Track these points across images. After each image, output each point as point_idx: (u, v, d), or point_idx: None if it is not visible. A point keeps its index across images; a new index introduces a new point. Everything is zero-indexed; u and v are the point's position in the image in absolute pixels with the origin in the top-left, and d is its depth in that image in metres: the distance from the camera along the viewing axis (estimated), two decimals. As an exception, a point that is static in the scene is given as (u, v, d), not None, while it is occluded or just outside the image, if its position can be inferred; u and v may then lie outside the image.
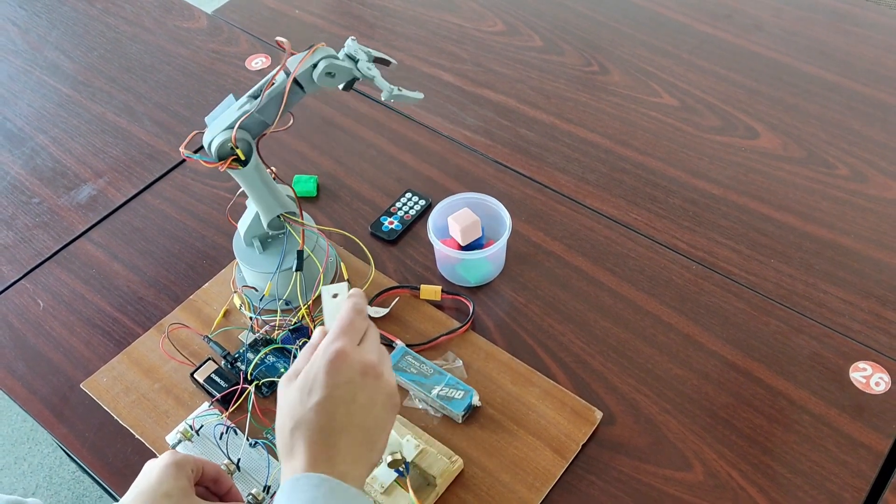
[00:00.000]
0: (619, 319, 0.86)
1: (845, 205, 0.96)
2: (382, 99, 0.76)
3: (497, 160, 1.04)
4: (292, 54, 0.73)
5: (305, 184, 1.00)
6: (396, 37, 1.24)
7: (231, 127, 0.73)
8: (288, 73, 0.73)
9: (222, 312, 0.88)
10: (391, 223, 0.96)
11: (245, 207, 0.86)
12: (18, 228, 1.01)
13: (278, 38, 0.73)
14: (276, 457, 0.76)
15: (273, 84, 0.73)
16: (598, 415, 0.78)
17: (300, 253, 0.83)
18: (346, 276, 0.88)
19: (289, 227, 0.84)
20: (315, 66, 0.74)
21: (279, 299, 0.86)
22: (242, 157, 0.74)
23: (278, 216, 0.82)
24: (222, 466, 0.73)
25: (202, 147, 0.76)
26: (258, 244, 0.85)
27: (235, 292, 0.89)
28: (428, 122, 1.10)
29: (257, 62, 1.21)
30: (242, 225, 0.85)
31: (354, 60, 0.75)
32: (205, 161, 0.74)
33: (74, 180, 1.06)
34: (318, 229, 0.88)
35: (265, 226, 0.83)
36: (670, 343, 0.84)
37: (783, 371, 0.81)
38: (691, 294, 0.88)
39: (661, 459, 0.75)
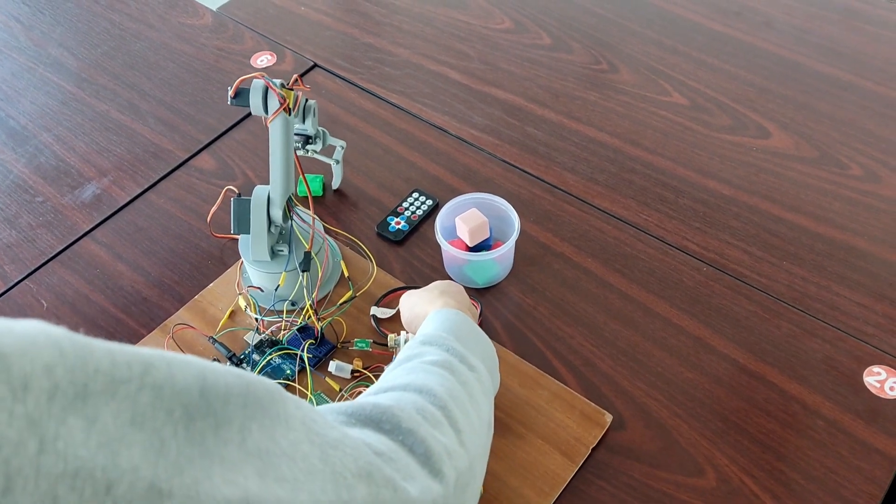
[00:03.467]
0: (629, 322, 0.85)
1: (858, 205, 0.95)
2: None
3: (505, 159, 1.03)
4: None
5: (311, 183, 0.99)
6: (403, 34, 1.23)
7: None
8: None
9: (228, 313, 0.87)
10: (398, 223, 0.95)
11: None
12: (22, 228, 1.00)
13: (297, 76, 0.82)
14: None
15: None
16: (608, 418, 0.77)
17: (307, 254, 0.82)
18: (346, 274, 0.87)
19: (295, 223, 0.83)
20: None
21: (285, 300, 0.85)
22: (291, 106, 0.79)
23: (287, 204, 0.82)
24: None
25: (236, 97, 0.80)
26: (271, 249, 0.84)
27: (241, 293, 0.88)
28: (435, 121, 1.09)
29: (262, 59, 1.20)
30: (256, 241, 0.83)
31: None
32: (273, 86, 0.77)
33: (78, 179, 1.05)
34: (324, 229, 0.87)
35: (279, 208, 0.82)
36: (681, 346, 0.83)
37: (796, 375, 0.80)
38: (702, 296, 0.87)
39: (673, 465, 0.74)
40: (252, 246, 0.83)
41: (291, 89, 0.79)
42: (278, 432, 0.39)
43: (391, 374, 0.60)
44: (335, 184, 0.98)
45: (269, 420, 0.38)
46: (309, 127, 0.90)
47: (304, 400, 0.43)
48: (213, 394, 0.36)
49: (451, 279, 0.90)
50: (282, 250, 0.84)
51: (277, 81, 0.78)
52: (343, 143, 0.96)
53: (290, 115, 0.79)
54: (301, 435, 0.40)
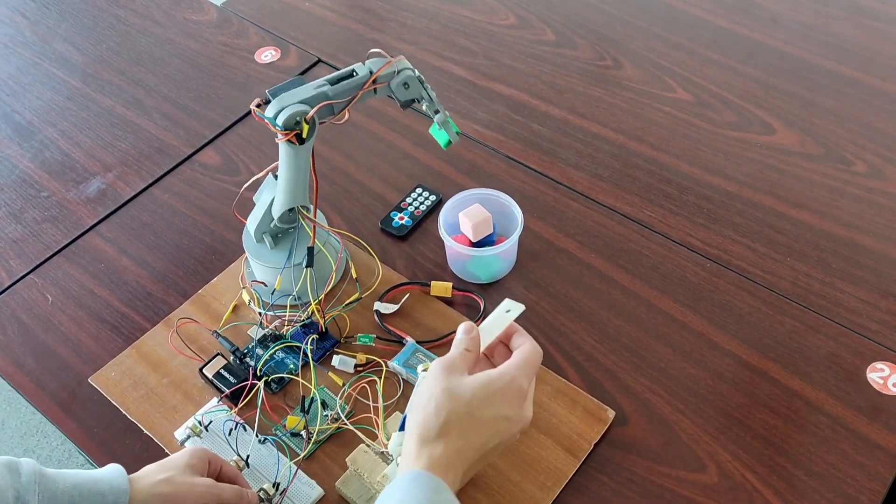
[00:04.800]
0: (632, 318, 0.85)
1: (863, 202, 0.95)
2: (436, 122, 0.79)
3: (509, 155, 1.03)
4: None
5: (438, 137, 0.85)
6: (407, 30, 1.23)
7: (307, 103, 0.74)
8: (371, 72, 0.76)
9: (231, 307, 0.87)
10: (401, 219, 0.95)
11: (252, 203, 0.85)
12: (27, 222, 1.01)
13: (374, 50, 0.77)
14: (284, 453, 0.75)
15: (354, 76, 0.76)
16: (611, 414, 0.77)
17: (311, 249, 0.82)
18: (354, 275, 0.87)
19: (302, 222, 0.83)
20: (398, 73, 0.77)
21: (289, 295, 0.85)
22: (304, 135, 0.75)
23: (290, 210, 0.81)
24: (231, 463, 0.73)
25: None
26: (269, 240, 0.84)
27: (244, 287, 0.89)
28: (439, 117, 1.09)
29: (267, 55, 1.21)
30: (252, 221, 0.84)
31: (421, 83, 0.79)
32: (273, 126, 0.73)
33: (83, 174, 1.06)
34: (328, 229, 0.87)
35: (277, 217, 0.82)
36: (684, 342, 0.83)
37: (799, 371, 0.80)
38: (705, 292, 0.87)
39: (675, 460, 0.74)
40: (248, 221, 0.84)
41: (308, 123, 0.74)
42: None
43: None
44: (453, 139, 0.82)
45: None
46: (407, 94, 0.79)
47: None
48: None
49: (455, 275, 0.90)
50: (269, 241, 0.84)
51: (302, 108, 0.73)
52: (445, 113, 0.80)
53: (301, 144, 0.75)
54: None
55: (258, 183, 0.85)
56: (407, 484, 0.57)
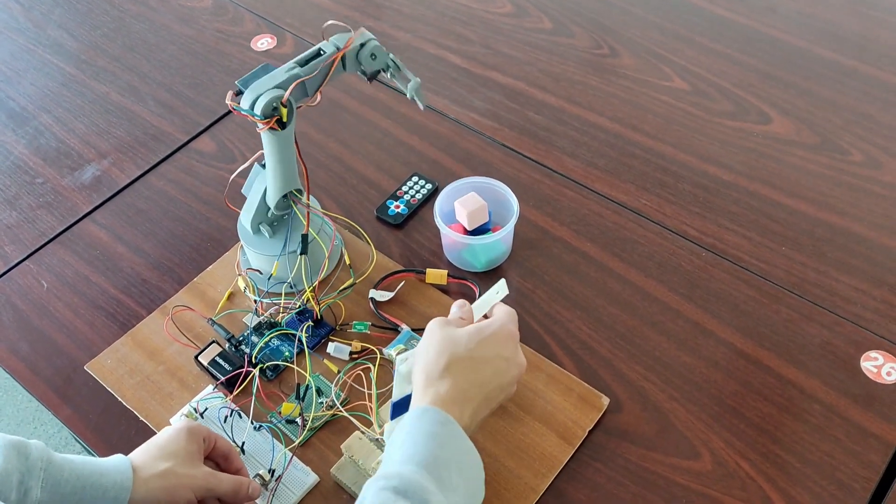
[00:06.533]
0: (627, 306, 0.85)
1: (859, 191, 0.95)
2: (407, 91, 0.79)
3: (505, 144, 1.03)
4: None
5: None
6: (403, 18, 1.22)
7: (280, 87, 0.73)
8: (338, 48, 0.76)
9: (226, 295, 0.87)
10: (397, 207, 0.95)
11: (242, 187, 0.85)
12: (22, 208, 1.00)
13: (331, 22, 0.76)
14: (280, 440, 0.75)
15: (322, 54, 0.76)
16: (605, 401, 0.77)
17: (305, 237, 0.82)
18: (348, 262, 0.87)
19: (295, 210, 0.83)
20: (363, 45, 0.77)
21: (284, 282, 0.85)
22: (285, 119, 0.74)
23: (285, 196, 0.81)
24: (226, 448, 0.73)
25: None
26: (267, 229, 0.84)
27: (240, 275, 0.88)
28: (435, 105, 1.08)
29: (262, 42, 1.20)
30: (246, 214, 0.84)
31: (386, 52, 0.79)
32: (252, 116, 0.73)
33: (78, 160, 1.05)
34: (323, 213, 0.87)
35: (273, 206, 0.82)
36: (679, 330, 0.83)
37: (793, 360, 0.80)
38: (700, 281, 0.87)
39: (669, 447, 0.75)
40: (242, 213, 0.83)
41: (285, 106, 0.73)
42: None
43: None
44: (421, 105, 0.82)
45: None
46: (374, 65, 0.79)
47: None
48: None
49: (451, 263, 0.90)
50: (268, 230, 0.84)
51: (276, 93, 0.72)
52: (417, 80, 0.80)
53: (283, 129, 0.75)
54: None
55: (246, 172, 0.84)
56: (415, 417, 0.61)
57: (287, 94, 0.73)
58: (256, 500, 0.71)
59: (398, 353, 0.70)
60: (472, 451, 0.61)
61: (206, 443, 0.69)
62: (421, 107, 0.81)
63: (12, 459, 0.60)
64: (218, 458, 0.71)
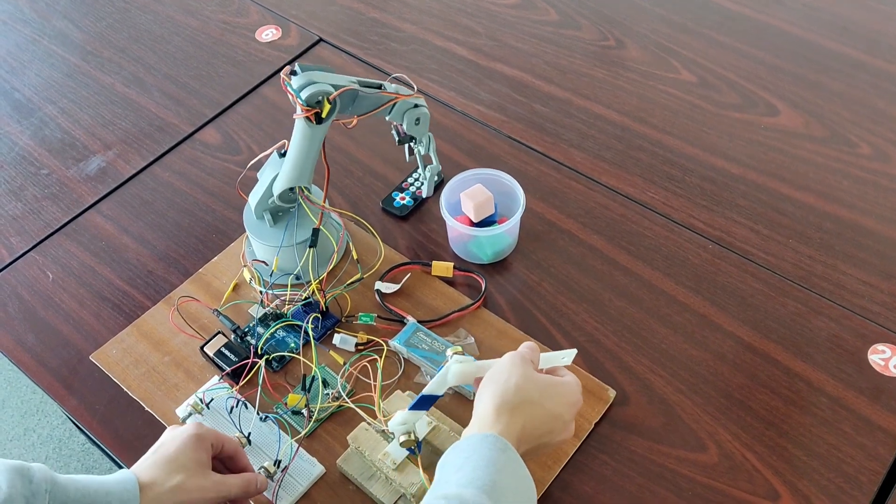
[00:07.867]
0: (634, 299, 0.85)
1: (867, 184, 0.94)
2: (426, 171, 0.91)
3: (511, 136, 1.02)
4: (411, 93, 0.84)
5: None
6: (409, 9, 1.22)
7: (336, 87, 0.75)
8: (396, 94, 0.82)
9: (232, 286, 0.87)
10: (403, 199, 0.95)
11: (255, 181, 0.85)
12: (27, 200, 1.00)
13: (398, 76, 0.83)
14: (286, 431, 0.75)
15: (382, 91, 0.81)
16: (612, 394, 0.77)
17: (316, 230, 0.82)
18: (355, 256, 0.87)
19: (301, 202, 0.83)
20: (416, 106, 0.84)
21: (289, 274, 0.85)
22: (324, 115, 0.75)
23: (290, 189, 0.81)
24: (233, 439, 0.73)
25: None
26: (269, 217, 0.84)
27: (245, 266, 0.88)
28: (441, 97, 1.08)
29: (268, 34, 1.20)
30: (254, 197, 0.84)
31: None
32: (297, 98, 0.74)
33: (84, 152, 1.05)
34: (329, 209, 0.86)
35: (277, 195, 0.81)
36: (685, 323, 0.83)
37: (800, 353, 0.80)
38: (708, 274, 0.87)
39: (675, 440, 0.74)
40: (251, 196, 0.84)
41: (330, 103, 0.74)
42: None
43: None
44: (424, 192, 0.94)
45: None
46: (414, 130, 0.86)
47: None
48: None
49: (457, 255, 0.90)
50: (269, 219, 0.84)
51: (327, 88, 0.74)
52: (439, 166, 0.91)
53: (318, 123, 0.76)
54: None
55: (264, 161, 0.84)
56: (476, 442, 0.61)
57: (337, 93, 0.74)
58: (264, 492, 0.71)
59: (454, 353, 0.70)
60: (528, 478, 0.62)
61: (213, 447, 0.68)
62: (425, 193, 0.86)
63: (16, 484, 0.58)
64: (225, 458, 0.70)
